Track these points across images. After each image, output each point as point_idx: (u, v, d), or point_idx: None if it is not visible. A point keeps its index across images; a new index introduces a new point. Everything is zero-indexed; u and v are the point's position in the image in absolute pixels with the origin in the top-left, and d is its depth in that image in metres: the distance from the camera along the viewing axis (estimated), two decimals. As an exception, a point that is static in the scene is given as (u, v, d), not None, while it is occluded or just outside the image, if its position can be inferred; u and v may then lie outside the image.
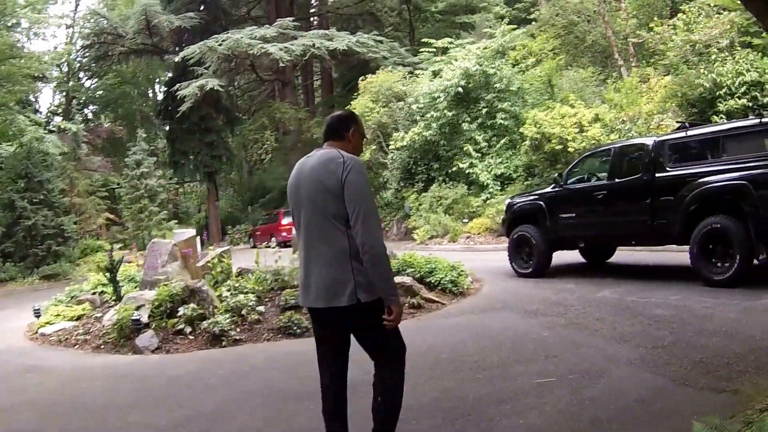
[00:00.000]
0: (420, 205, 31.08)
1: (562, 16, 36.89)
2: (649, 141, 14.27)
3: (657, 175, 13.58)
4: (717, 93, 23.65)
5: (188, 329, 12.04)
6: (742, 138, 13.11)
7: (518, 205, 16.83)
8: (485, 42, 33.14)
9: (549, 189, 16.28)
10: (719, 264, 12.58)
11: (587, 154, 16.68)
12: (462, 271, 14.79)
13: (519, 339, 9.99)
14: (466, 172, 30.30)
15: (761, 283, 12.26)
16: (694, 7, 27.74)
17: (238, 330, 12.01)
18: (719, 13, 26.25)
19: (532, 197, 16.74)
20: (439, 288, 14.03)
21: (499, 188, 29.38)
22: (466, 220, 28.41)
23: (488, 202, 28.66)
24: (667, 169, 13.47)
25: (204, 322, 11.94)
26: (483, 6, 48.54)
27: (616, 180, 14.54)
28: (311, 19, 57.17)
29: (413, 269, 14.20)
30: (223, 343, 11.62)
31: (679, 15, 27.47)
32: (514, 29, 34.94)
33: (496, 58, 32.38)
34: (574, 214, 15.46)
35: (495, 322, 11.24)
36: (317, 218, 5.13)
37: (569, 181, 15.72)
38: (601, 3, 33.10)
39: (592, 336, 9.83)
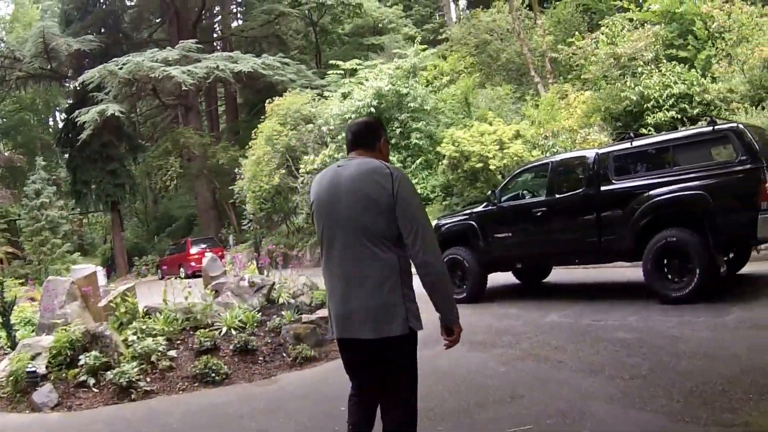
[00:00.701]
0: (335, 229, 29.03)
1: (473, 35, 36.41)
2: (590, 153, 13.43)
3: (602, 188, 12.71)
4: (644, 106, 23.13)
5: (92, 381, 10.16)
6: (694, 147, 12.48)
7: (447, 226, 15.58)
8: (397, 61, 32.21)
9: (481, 208, 15.14)
10: (676, 280, 11.72)
11: (521, 169, 15.70)
12: None
13: (475, 377, 8.75)
14: (382, 193, 28.35)
15: (720, 298, 11.46)
16: (617, 21, 27.40)
17: (148, 380, 10.22)
18: (641, 27, 25.95)
19: (461, 217, 15.56)
20: None
21: (417, 208, 27.56)
22: (383, 240, 26.55)
23: (404, 224, 26.83)
24: (613, 181, 12.62)
25: (109, 372, 10.11)
26: (392, 27, 48.07)
27: (557, 195, 13.57)
28: (215, 43, 55.28)
29: None
30: (133, 396, 9.82)
31: (602, 29, 26.82)
32: (424, 49, 34.24)
33: (409, 77, 31.45)
34: (510, 234, 14.31)
35: (441, 357, 9.76)
36: (360, 236, 4.59)
37: (503, 199, 14.62)
38: (516, 21, 32.17)
39: (556, 369, 8.72)
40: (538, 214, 13.61)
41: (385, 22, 49.43)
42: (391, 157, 25.57)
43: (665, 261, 11.77)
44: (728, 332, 9.36)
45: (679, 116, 22.29)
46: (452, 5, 52.46)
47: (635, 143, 12.97)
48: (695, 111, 22.29)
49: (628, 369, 8.17)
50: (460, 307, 12.05)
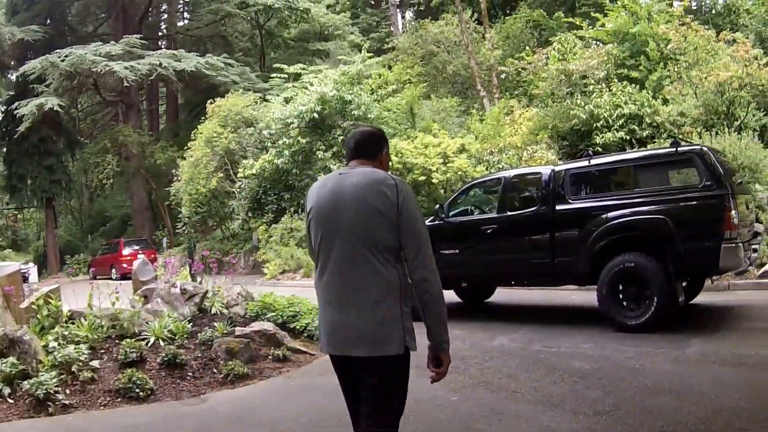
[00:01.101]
0: (270, 237, 28.55)
1: (420, 46, 35.98)
2: (545, 170, 12.77)
3: (557, 207, 12.10)
4: (593, 125, 22.76)
5: (7, 390, 9.03)
6: (655, 168, 12.09)
7: None
8: (343, 67, 31.31)
9: (427, 222, 13.75)
10: (632, 307, 11.11)
11: (472, 183, 15.04)
12: None
13: (424, 406, 7.82)
14: (321, 203, 27.36)
15: (678, 328, 10.96)
16: (569, 38, 27.09)
17: (67, 392, 9.09)
18: (593, 45, 25.88)
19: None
20: (305, 335, 11.71)
21: (356, 221, 26.65)
22: (321, 254, 25.57)
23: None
24: (569, 200, 12.05)
25: (26, 382, 8.98)
26: (338, 34, 47.48)
27: (509, 213, 12.99)
28: (159, 42, 53.83)
29: (274, 313, 11.84)
30: (50, 410, 8.70)
31: (554, 44, 25.99)
32: (371, 57, 33.61)
33: (354, 84, 30.57)
34: (457, 251, 13.52)
35: None
36: (361, 248, 4.30)
37: (451, 214, 13.90)
38: (465, 33, 31.54)
39: (512, 399, 8.02)
40: (488, 231, 12.92)
41: (331, 29, 48.76)
42: (331, 166, 24.92)
43: (621, 287, 11.17)
44: (691, 367, 8.79)
45: (628, 137, 21.96)
46: (399, 16, 51.79)
47: (593, 161, 12.43)
48: (645, 133, 21.99)
49: (590, 403, 7.52)
50: None
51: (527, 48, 28.97)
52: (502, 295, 15.69)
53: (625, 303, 11.17)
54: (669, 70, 23.60)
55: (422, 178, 23.93)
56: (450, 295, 14.76)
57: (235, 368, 9.68)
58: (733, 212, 10.66)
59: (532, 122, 25.46)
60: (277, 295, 12.56)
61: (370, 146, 4.66)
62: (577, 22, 28.04)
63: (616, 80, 24.01)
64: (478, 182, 14.99)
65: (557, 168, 12.63)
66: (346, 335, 4.34)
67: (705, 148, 11.59)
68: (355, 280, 4.31)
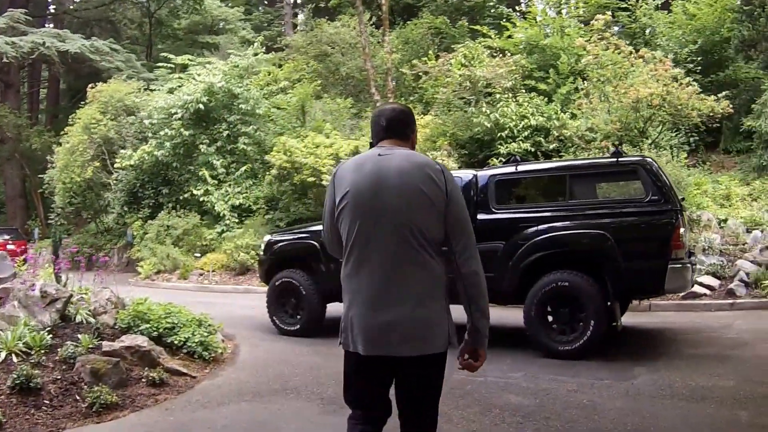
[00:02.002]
0: (146, 233, 26.13)
1: (314, 45, 34.09)
2: (466, 174, 11.15)
3: (479, 217, 10.51)
4: (498, 135, 21.46)
5: None
6: (594, 179, 11.09)
7: (281, 244, 12.93)
8: (234, 58, 29.16)
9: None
10: (564, 331, 9.82)
11: None
12: (211, 325, 10.53)
13: None
14: (200, 200, 25.84)
15: (614, 354, 9.77)
16: (476, 46, 25.60)
17: None
18: (500, 55, 24.04)
19: (301, 234, 12.98)
20: (185, 352, 9.65)
21: (237, 221, 25.25)
22: (198, 255, 24.01)
23: (224, 235, 24.44)
24: (494, 210, 10.62)
25: None
26: (230, 28, 45.39)
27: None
28: (45, 21, 50.24)
29: (149, 325, 9.60)
30: None
31: (460, 49, 24.46)
32: (265, 51, 31.66)
33: (244, 77, 28.59)
34: None
35: (288, 418, 7.31)
36: (408, 237, 3.83)
37: None
38: (363, 34, 29.94)
39: None
40: None
41: (223, 23, 46.71)
42: (214, 161, 22.53)
43: (552, 308, 9.86)
44: (648, 402, 7.52)
45: (533, 149, 20.86)
46: (292, 16, 49.68)
47: (522, 168, 10.99)
48: (551, 146, 20.97)
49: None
50: (294, 341, 11.51)
51: (430, 52, 27.44)
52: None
53: (555, 326, 9.87)
54: (578, 85, 22.57)
55: (311, 179, 22.06)
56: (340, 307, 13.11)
57: (102, 395, 7.40)
58: (682, 230, 9.69)
59: (428, 129, 23.97)
60: (152, 301, 10.40)
61: (403, 125, 4.15)
62: (484, 31, 26.98)
63: (523, 91, 22.93)
64: None
65: (480, 173, 11.10)
66: (390, 334, 3.83)
67: (650, 159, 10.40)
68: (401, 273, 3.84)
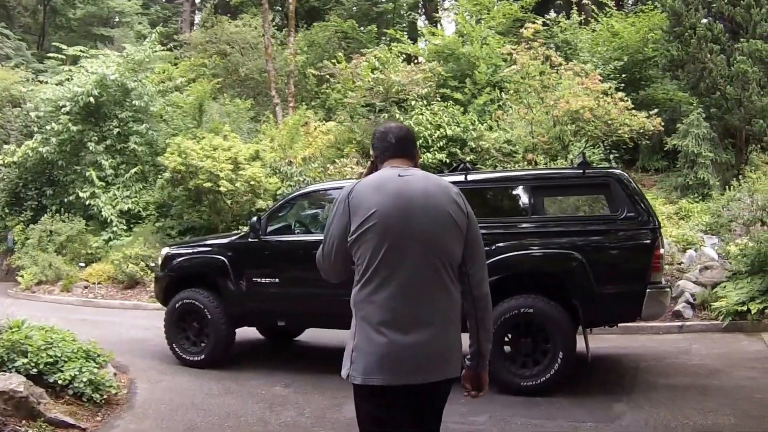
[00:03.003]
0: (27, 239, 23.20)
1: (213, 43, 31.98)
2: None
3: None
4: None
5: None
6: (559, 191, 10.03)
7: (183, 258, 11.05)
8: (130, 49, 26.31)
9: (236, 238, 10.87)
10: (526, 363, 8.58)
11: (300, 193, 11.47)
12: (100, 356, 8.47)
13: None
14: (86, 203, 23.09)
15: (581, 388, 8.57)
16: (390, 51, 23.86)
17: None
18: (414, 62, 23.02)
19: (206, 248, 11.14)
20: (72, 393, 7.55)
21: (125, 227, 22.76)
22: (82, 264, 21.41)
23: (111, 243, 21.94)
24: None
25: None
26: (126, 21, 42.54)
27: None
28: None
29: (27, 360, 7.50)
30: None
31: (374, 52, 22.60)
32: (164, 48, 29.47)
33: (138, 71, 25.86)
34: (277, 279, 10.09)
35: None
36: (435, 262, 3.72)
37: (270, 230, 10.35)
38: (266, 34, 28.02)
39: None
40: None
41: (119, 16, 43.89)
42: (103, 161, 20.06)
43: (510, 337, 8.69)
44: None
45: (449, 160, 19.57)
46: (188, 13, 47.51)
47: (474, 177, 9.55)
48: (468, 157, 19.46)
49: None
50: (199, 374, 9.70)
51: (339, 54, 25.51)
52: (313, 331, 12.15)
53: (515, 359, 8.63)
54: (496, 96, 21.56)
55: (208, 184, 19.84)
56: (246, 332, 11.38)
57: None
58: (661, 251, 8.73)
59: (331, 135, 22.39)
60: (31, 325, 8.26)
61: (411, 144, 4.11)
62: (398, 35, 25.44)
63: (438, 99, 21.52)
64: (311, 191, 11.47)
65: None
66: (414, 360, 3.59)
67: (621, 172, 9.26)
68: (429, 298, 3.68)
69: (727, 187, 17.00)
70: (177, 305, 10.32)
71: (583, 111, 16.93)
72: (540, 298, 8.48)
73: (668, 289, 9.04)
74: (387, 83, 20.84)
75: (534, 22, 20.40)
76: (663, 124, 18.30)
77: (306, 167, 20.91)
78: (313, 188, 11.98)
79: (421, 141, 19.41)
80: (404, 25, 31.02)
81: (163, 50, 29.28)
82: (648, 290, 8.41)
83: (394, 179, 3.82)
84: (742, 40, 18.76)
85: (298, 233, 10.64)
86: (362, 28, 30.86)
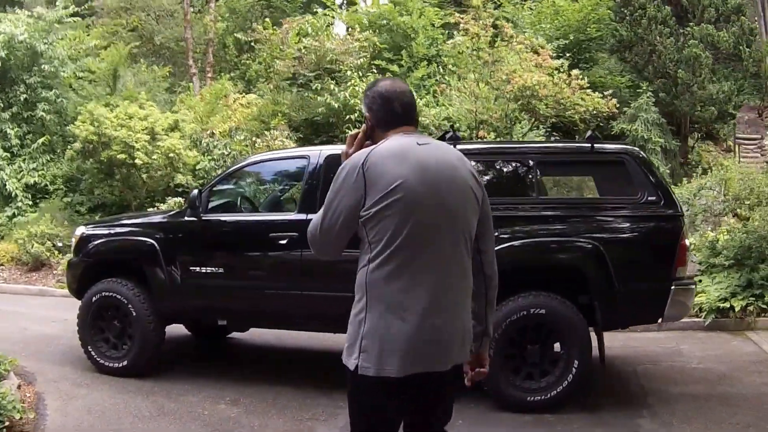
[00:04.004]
0: None
1: (127, 9, 29.28)
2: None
3: None
4: (345, 117, 17.94)
5: None
6: (566, 169, 8.32)
7: (102, 241, 8.73)
8: (41, 10, 23.39)
9: (169, 216, 8.75)
10: (532, 374, 7.02)
11: (249, 161, 9.37)
12: (1, 363, 6.79)
13: None
14: (-11, 175, 20.56)
15: (584, 400, 7.11)
16: (318, 18, 21.71)
17: None
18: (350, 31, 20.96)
19: (131, 228, 8.91)
20: None
21: (31, 203, 20.21)
22: (-17, 244, 18.79)
23: (15, 220, 19.38)
24: None
25: None
26: (37, -17, 38.95)
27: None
28: None
29: None
30: None
31: (307, 18, 20.59)
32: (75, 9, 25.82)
33: (50, 32, 22.93)
34: (221, 269, 8.03)
35: None
36: (459, 241, 3.37)
37: (212, 206, 8.35)
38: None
39: None
40: (283, 242, 7.59)
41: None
42: (9, 130, 17.06)
43: (518, 344, 7.02)
44: None
45: None
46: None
47: (465, 147, 7.81)
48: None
49: None
50: (124, 384, 7.80)
51: (267, 20, 23.33)
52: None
53: (519, 369, 7.04)
54: (433, 70, 19.95)
55: (122, 156, 17.61)
56: (175, 329, 9.21)
57: None
58: (687, 242, 7.39)
59: (254, 108, 20.53)
60: None
61: (415, 108, 3.58)
62: (328, 3, 23.37)
63: (374, 71, 19.54)
64: (262, 159, 9.29)
65: None
66: (436, 345, 3.27)
67: (637, 149, 7.73)
68: (451, 278, 3.35)
69: (672, 175, 16.23)
70: (94, 299, 8.15)
71: (538, 87, 15.46)
72: (553, 297, 6.93)
73: (693, 287, 7.65)
74: (320, 51, 18.95)
75: None
76: (618, 106, 17.08)
77: (231, 140, 18.99)
78: (264, 156, 9.73)
79: (356, 115, 17.57)
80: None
81: (76, 17, 26.97)
82: (673, 287, 6.98)
83: (414, 148, 3.37)
84: (691, 24, 18.20)
85: (245, 211, 8.79)
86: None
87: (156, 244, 8.03)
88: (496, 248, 6.62)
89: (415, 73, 20.24)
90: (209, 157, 18.45)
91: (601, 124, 18.01)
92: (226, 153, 18.14)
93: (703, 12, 18.36)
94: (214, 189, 8.46)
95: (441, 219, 3.31)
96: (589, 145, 7.35)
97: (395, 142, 3.37)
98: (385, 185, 3.24)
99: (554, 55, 18.13)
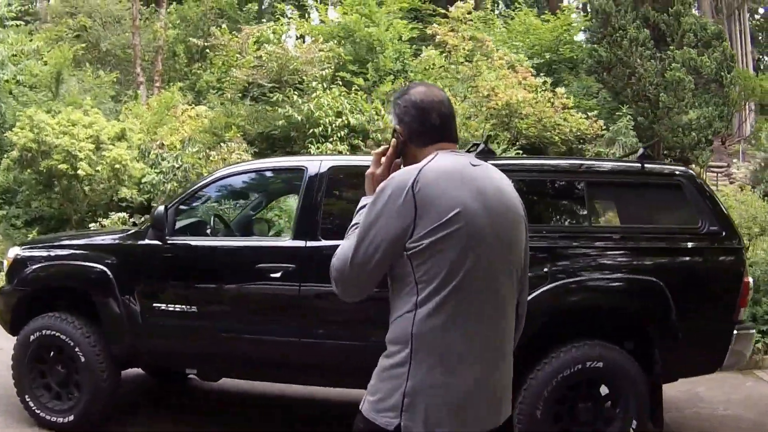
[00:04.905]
0: None
1: (72, 14, 27.41)
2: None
3: None
4: (309, 131, 16.29)
5: None
6: (613, 191, 6.64)
7: (42, 265, 6.86)
8: None
9: (126, 236, 6.90)
10: None
11: (226, 173, 7.15)
12: None
13: None
14: None
15: None
16: (277, 27, 20.56)
17: None
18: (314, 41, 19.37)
19: (77, 251, 6.90)
20: None
21: (-37, 218, 18.45)
22: None
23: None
24: None
25: None
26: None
27: (322, 240, 5.98)
28: None
29: None
30: None
31: (269, 24, 19.06)
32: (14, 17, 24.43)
33: None
34: (192, 307, 6.17)
35: None
36: (511, 278, 2.84)
37: (179, 227, 6.61)
38: (135, 3, 23.70)
39: None
40: (276, 275, 5.91)
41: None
42: None
43: (568, 404, 5.59)
44: None
45: (350, 153, 16.05)
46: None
47: (502, 162, 6.24)
48: (372, 151, 15.65)
49: None
50: None
51: (223, 26, 21.79)
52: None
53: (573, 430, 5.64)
54: (402, 85, 17.39)
55: (63, 166, 15.76)
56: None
57: None
58: (749, 279, 6.04)
59: (205, 120, 18.85)
60: None
61: (455, 121, 2.96)
62: (286, 12, 21.52)
63: (340, 83, 17.91)
64: (248, 170, 7.36)
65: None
66: (492, 401, 2.81)
67: (692, 171, 6.47)
68: (507, 322, 2.86)
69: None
70: (32, 338, 6.32)
71: (523, 105, 14.26)
72: (610, 347, 5.61)
73: (753, 331, 6.49)
74: (283, 59, 17.40)
75: (467, 1, 17.39)
76: (604, 127, 16.08)
77: (183, 152, 17.18)
78: (246, 167, 7.71)
79: (320, 129, 16.06)
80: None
81: (19, 20, 25.19)
82: (735, 332, 5.81)
83: (469, 169, 2.75)
84: (671, 47, 17.58)
85: (219, 234, 7.11)
86: (241, 8, 27.48)
87: (109, 272, 6.27)
88: (548, 288, 5.55)
89: (381, 88, 18.77)
90: (156, 170, 16.77)
91: (573, 147, 16.98)
92: (177, 166, 16.41)
93: (683, 37, 17.76)
94: (181, 206, 6.71)
95: (499, 254, 2.76)
96: (639, 164, 6.09)
97: (446, 160, 2.78)
98: (441, 212, 2.65)
99: (533, 73, 17.09)
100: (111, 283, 6.22)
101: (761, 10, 34.87)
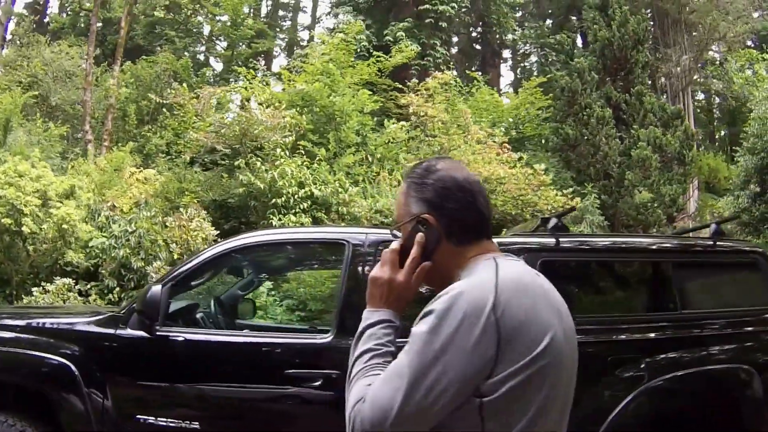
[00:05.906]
0: None
1: (24, 65, 25.74)
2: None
3: None
4: (272, 201, 15.06)
5: None
6: (691, 271, 5.45)
7: None
8: None
9: (97, 323, 5.00)
10: None
11: (240, 244, 5.33)
12: None
13: None
14: None
15: None
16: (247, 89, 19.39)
17: None
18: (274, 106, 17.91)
19: (33, 336, 4.93)
20: None
21: None
22: None
23: None
24: None
25: None
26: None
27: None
28: None
29: None
30: None
31: (232, 86, 17.82)
32: None
33: None
34: (194, 423, 4.43)
35: None
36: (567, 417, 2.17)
37: (172, 310, 4.93)
38: (89, 59, 23.12)
39: None
40: (313, 384, 4.48)
41: None
42: None
43: None
44: None
45: (309, 221, 15.06)
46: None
47: (570, 241, 5.28)
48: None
49: None
50: None
51: (184, 84, 20.41)
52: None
53: None
54: (362, 158, 17.61)
55: (6, 220, 13.91)
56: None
57: None
58: None
59: (155, 184, 17.44)
60: None
61: None
62: (248, 76, 20.36)
63: (302, 152, 16.64)
64: (269, 241, 5.65)
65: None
66: None
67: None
68: None
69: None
70: None
71: (504, 180, 13.62)
72: None
73: None
74: (247, 123, 16.11)
75: (445, 72, 16.43)
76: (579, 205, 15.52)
77: (138, 215, 15.62)
78: (267, 237, 5.90)
79: (282, 199, 14.81)
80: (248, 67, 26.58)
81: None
82: None
83: (541, 280, 2.11)
84: (635, 126, 17.43)
85: (223, 324, 5.59)
86: (196, 72, 26.38)
87: (74, 368, 4.65)
88: (644, 389, 4.51)
89: (343, 159, 17.64)
90: (106, 234, 15.11)
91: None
92: (130, 230, 14.82)
93: (645, 116, 17.78)
94: (186, 280, 5.16)
95: (569, 390, 2.08)
96: (712, 241, 5.27)
97: (516, 269, 2.08)
98: (530, 344, 1.93)
99: (509, 148, 16.47)
100: (75, 383, 4.64)
101: (701, 95, 35.63)
